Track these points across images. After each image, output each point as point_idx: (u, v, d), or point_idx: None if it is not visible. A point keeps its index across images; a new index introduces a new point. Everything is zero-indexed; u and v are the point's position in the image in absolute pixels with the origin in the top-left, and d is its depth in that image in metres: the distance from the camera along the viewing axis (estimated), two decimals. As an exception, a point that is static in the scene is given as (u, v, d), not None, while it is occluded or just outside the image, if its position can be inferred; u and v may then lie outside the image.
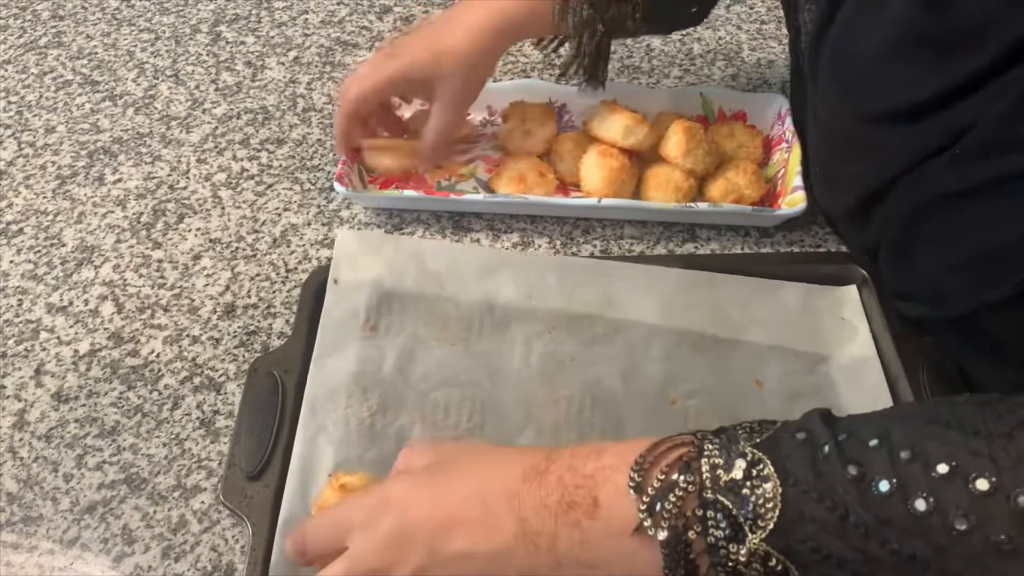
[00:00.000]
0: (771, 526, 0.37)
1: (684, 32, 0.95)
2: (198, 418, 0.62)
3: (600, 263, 0.67)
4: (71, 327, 0.69)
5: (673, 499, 0.39)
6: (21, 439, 0.62)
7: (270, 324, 0.68)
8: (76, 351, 0.67)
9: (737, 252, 0.72)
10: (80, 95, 0.91)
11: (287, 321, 0.68)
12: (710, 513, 0.38)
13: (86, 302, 0.71)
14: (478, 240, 0.74)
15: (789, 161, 0.74)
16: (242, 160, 0.82)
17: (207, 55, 0.96)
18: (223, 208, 0.78)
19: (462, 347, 0.63)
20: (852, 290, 0.66)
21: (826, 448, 0.38)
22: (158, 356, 0.66)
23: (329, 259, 0.68)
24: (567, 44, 0.75)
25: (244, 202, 0.78)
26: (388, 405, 0.60)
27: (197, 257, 0.74)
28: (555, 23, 0.71)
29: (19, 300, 0.71)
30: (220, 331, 0.68)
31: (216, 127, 0.86)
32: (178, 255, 0.74)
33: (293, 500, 0.55)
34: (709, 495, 0.38)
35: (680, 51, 0.93)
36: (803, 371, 0.62)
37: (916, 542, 0.35)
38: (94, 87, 0.92)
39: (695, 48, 0.93)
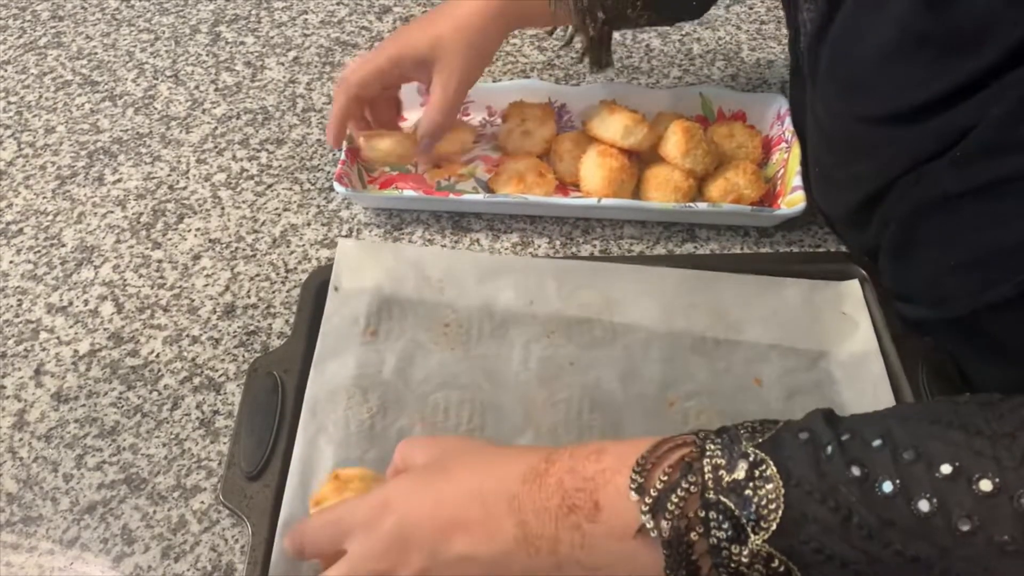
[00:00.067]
0: (774, 527, 0.37)
1: (684, 32, 0.95)
2: (198, 418, 0.62)
3: (599, 266, 0.67)
4: (71, 327, 0.69)
5: (675, 500, 0.39)
6: (21, 439, 0.62)
7: (270, 324, 0.68)
8: (76, 351, 0.67)
9: (737, 252, 0.72)
10: (80, 95, 0.91)
11: (287, 321, 0.68)
12: (712, 514, 0.38)
13: (86, 302, 0.70)
14: (478, 240, 0.74)
15: (788, 161, 0.74)
16: (242, 160, 0.82)
17: (207, 55, 0.96)
18: (223, 208, 0.78)
19: (461, 351, 0.63)
20: (854, 284, 0.66)
21: (829, 448, 0.38)
22: (158, 356, 0.66)
23: (329, 259, 0.68)
24: (578, 35, 0.76)
25: (244, 202, 0.78)
26: (388, 406, 0.60)
27: (197, 257, 0.74)
28: (552, 9, 0.72)
29: (19, 300, 0.71)
30: (220, 331, 0.68)
31: (216, 127, 0.86)
32: (178, 255, 0.74)
33: (293, 500, 0.55)
34: (711, 496, 0.38)
35: (679, 51, 0.93)
36: (803, 368, 0.62)
37: (919, 543, 0.35)
38: (94, 87, 0.92)
39: (694, 48, 0.93)
